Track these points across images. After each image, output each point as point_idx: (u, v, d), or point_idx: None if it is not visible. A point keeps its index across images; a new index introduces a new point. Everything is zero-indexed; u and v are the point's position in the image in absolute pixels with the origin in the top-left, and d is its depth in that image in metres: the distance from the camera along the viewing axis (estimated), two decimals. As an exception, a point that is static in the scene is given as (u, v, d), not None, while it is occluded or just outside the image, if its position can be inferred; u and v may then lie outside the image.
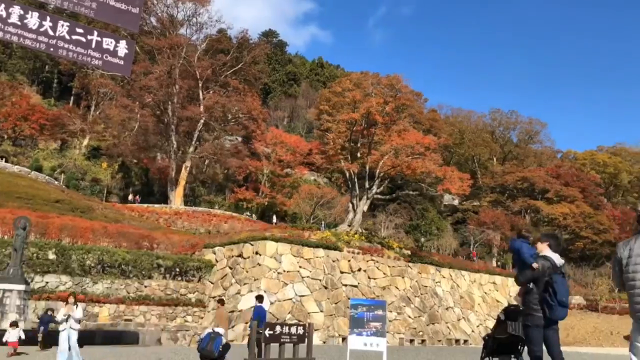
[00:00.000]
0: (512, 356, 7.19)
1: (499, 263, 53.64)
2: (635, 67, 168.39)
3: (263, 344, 11.18)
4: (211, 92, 50.72)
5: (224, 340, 11.10)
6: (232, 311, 23.74)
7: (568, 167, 72.60)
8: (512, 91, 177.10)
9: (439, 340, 29.45)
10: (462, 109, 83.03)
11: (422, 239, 50.47)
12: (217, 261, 27.47)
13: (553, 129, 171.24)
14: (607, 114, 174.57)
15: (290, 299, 24.82)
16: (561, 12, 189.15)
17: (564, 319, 6.53)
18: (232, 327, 22.81)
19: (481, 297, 36.27)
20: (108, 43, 6.27)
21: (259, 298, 14.44)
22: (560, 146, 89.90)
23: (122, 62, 6.37)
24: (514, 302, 7.70)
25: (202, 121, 49.01)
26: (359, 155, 37.27)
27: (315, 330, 22.84)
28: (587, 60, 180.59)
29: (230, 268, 26.40)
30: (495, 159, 79.35)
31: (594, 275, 50.12)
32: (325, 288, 26.35)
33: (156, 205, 44.65)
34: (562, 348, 6.84)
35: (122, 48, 6.35)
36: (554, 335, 6.58)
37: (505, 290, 38.18)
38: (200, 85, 49.76)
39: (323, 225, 44.79)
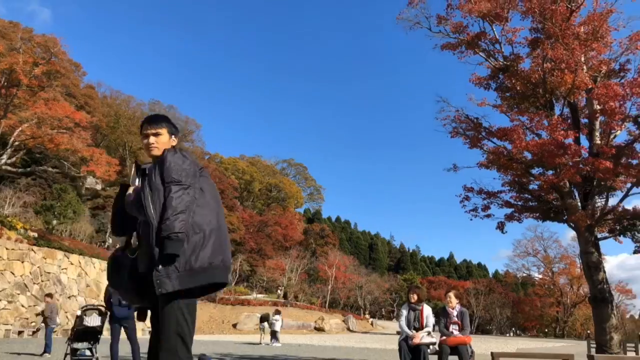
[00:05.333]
0: (91, 342, 10.36)
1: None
2: (276, 83, 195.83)
3: None
4: None
5: None
6: None
7: (213, 169, 78.44)
8: (175, 87, 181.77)
9: (55, 331, 27.20)
10: (122, 92, 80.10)
11: (55, 222, 46.08)
12: None
13: (206, 131, 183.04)
14: (252, 126, 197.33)
15: None
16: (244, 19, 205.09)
17: (126, 317, 8.94)
18: None
19: (110, 286, 35.35)
20: None
21: None
22: (210, 149, 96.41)
23: None
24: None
25: None
26: (-10, 116, 31.59)
27: None
28: (242, 74, 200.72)
29: None
30: (147, 150, 79.24)
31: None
32: None
33: None
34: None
35: None
36: (117, 329, 9.11)
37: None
38: None
39: None
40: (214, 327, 39.86)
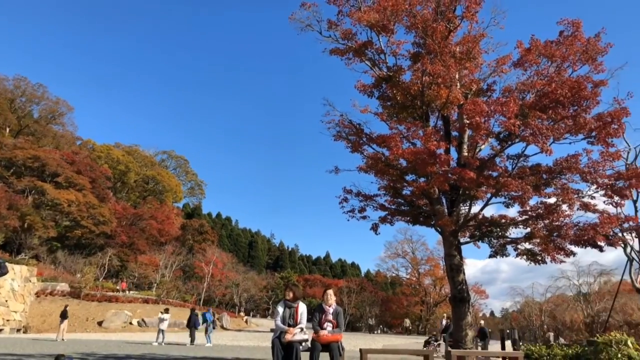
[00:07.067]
0: None
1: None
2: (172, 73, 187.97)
3: None
4: None
5: None
6: None
7: (84, 156, 73.09)
8: (46, 63, 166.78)
9: None
10: (-20, 64, 71.83)
11: None
12: None
13: (79, 114, 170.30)
14: (132, 113, 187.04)
15: None
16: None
17: None
18: None
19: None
20: None
21: None
22: (82, 134, 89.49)
23: None
24: None
25: None
26: None
27: None
28: (123, 53, 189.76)
29: None
30: (8, 130, 71.93)
31: (84, 264, 51.62)
32: None
33: None
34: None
35: None
36: None
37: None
38: None
39: None
40: (77, 325, 37.09)
